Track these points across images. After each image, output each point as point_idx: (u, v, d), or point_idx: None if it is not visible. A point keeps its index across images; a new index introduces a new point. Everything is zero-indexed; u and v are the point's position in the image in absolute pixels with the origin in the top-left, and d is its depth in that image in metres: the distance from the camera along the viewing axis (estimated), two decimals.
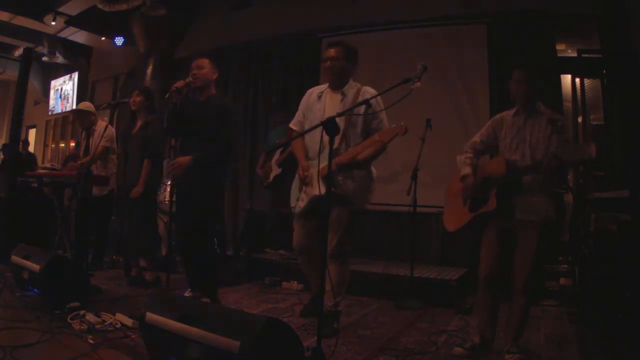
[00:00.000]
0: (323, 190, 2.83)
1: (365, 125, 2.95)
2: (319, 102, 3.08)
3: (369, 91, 2.99)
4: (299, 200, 3.08)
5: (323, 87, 3.16)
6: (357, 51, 3.09)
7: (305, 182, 3.01)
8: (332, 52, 3.03)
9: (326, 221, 2.38)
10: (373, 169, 3.09)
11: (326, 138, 2.60)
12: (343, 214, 2.94)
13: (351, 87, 3.04)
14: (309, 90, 3.23)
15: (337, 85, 3.05)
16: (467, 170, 2.70)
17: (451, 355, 2.63)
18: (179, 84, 3.22)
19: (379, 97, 2.91)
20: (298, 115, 3.21)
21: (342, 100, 3.00)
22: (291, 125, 3.26)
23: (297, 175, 3.14)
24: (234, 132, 3.35)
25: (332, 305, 2.91)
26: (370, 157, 2.91)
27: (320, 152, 2.92)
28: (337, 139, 2.75)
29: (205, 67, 3.35)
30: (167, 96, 3.22)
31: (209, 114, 3.29)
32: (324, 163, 2.75)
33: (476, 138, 2.82)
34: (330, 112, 2.88)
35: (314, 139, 2.97)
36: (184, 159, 3.22)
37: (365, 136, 2.94)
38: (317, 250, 2.90)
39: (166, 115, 3.35)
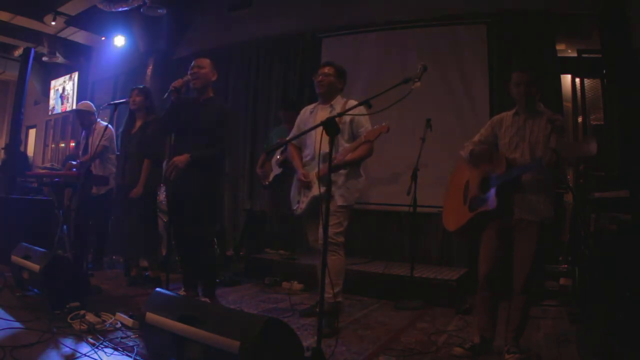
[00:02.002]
0: (320, 191, 3.12)
1: (351, 132, 3.23)
2: (312, 116, 3.38)
3: (353, 104, 3.17)
4: (299, 203, 3.34)
5: (315, 104, 3.47)
6: (346, 72, 3.44)
7: (306, 186, 3.27)
8: (324, 69, 3.36)
9: (327, 220, 2.46)
10: (362, 171, 3.32)
11: (319, 145, 3.03)
12: (337, 209, 3.17)
13: (338, 101, 3.33)
14: (304, 108, 3.57)
15: (326, 98, 3.35)
16: (470, 146, 2.75)
17: (451, 355, 2.64)
18: (178, 82, 3.23)
19: (363, 110, 3.14)
20: (294, 130, 3.49)
21: (330, 112, 3.22)
22: (289, 139, 3.53)
23: (295, 180, 3.41)
24: (233, 137, 3.42)
25: (330, 296, 2.98)
26: (357, 158, 3.18)
27: (313, 158, 3.25)
28: (327, 146, 2.92)
29: (205, 67, 3.36)
30: (165, 96, 3.23)
31: (207, 116, 3.30)
32: (320, 166, 3.08)
33: (475, 137, 2.84)
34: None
35: (309, 146, 3.31)
36: (181, 158, 3.21)
37: (351, 142, 3.20)
38: None
39: (163, 113, 3.38)
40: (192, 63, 3.39)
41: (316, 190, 3.18)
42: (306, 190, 3.28)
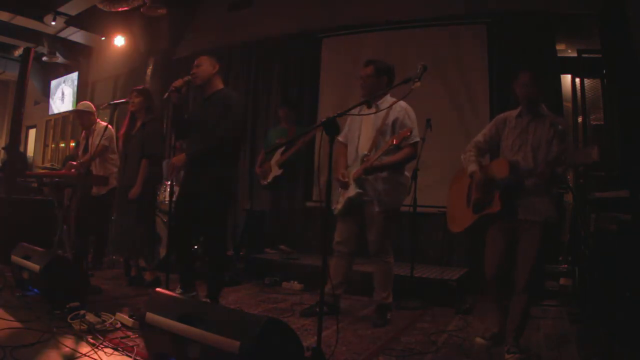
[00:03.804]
0: (353, 192, 3.21)
1: (393, 134, 3.20)
2: (358, 117, 3.32)
3: (400, 105, 3.21)
4: (338, 203, 3.39)
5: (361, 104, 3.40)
6: (390, 67, 3.31)
7: (344, 186, 3.30)
8: (364, 71, 3.30)
9: (325, 223, 2.46)
10: (407, 173, 3.36)
11: (360, 148, 3.24)
12: (376, 215, 3.23)
13: (385, 101, 3.27)
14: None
15: (371, 99, 3.20)
16: (473, 167, 2.74)
17: (451, 355, 2.64)
18: (178, 83, 3.22)
19: (410, 111, 3.23)
20: (345, 129, 3.49)
21: (375, 113, 3.20)
22: (339, 138, 3.49)
23: (333, 179, 3.45)
24: (237, 125, 3.31)
25: (383, 297, 3.33)
26: (396, 161, 3.19)
27: (355, 159, 3.29)
28: (367, 147, 3.24)
29: (203, 64, 3.32)
30: (165, 96, 3.22)
31: (211, 110, 3.26)
32: (356, 168, 3.22)
33: (479, 137, 2.85)
34: (366, 124, 3.25)
35: (352, 148, 3.34)
36: (178, 158, 3.20)
37: None
38: (352, 244, 3.38)
39: (170, 118, 3.37)
40: (193, 64, 3.37)
41: (351, 191, 3.22)
42: (344, 190, 3.30)
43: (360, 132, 3.31)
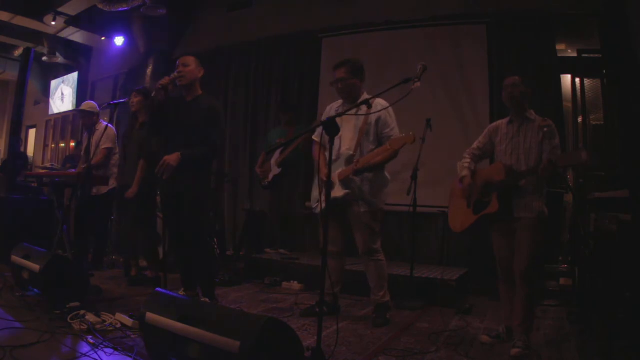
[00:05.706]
0: (340, 193, 3.16)
1: (376, 133, 3.22)
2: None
3: (380, 103, 3.19)
4: (319, 202, 3.34)
5: (341, 102, 3.41)
6: (363, 65, 3.33)
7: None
8: (339, 73, 3.26)
9: (326, 225, 2.47)
10: (387, 174, 3.34)
11: (342, 148, 3.21)
12: (362, 214, 3.22)
13: (365, 98, 3.21)
14: (329, 105, 3.50)
15: (351, 101, 3.27)
16: (465, 172, 2.94)
17: (451, 355, 2.64)
18: (164, 80, 3.20)
19: (390, 108, 3.19)
20: (319, 129, 3.40)
21: (356, 113, 3.20)
22: (313, 137, 3.50)
23: (315, 180, 3.42)
24: (222, 134, 3.38)
25: (380, 297, 3.30)
26: (382, 161, 3.17)
27: (337, 159, 3.24)
28: (351, 147, 3.23)
29: (190, 65, 3.31)
30: (153, 94, 3.22)
31: (197, 115, 3.26)
32: (340, 168, 3.19)
33: (474, 145, 3.03)
34: (346, 123, 3.24)
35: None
36: (172, 157, 3.14)
37: (377, 144, 3.22)
38: (339, 243, 3.35)
39: (150, 113, 3.37)
40: (177, 62, 3.35)
41: (337, 191, 3.19)
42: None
43: (341, 131, 3.27)
